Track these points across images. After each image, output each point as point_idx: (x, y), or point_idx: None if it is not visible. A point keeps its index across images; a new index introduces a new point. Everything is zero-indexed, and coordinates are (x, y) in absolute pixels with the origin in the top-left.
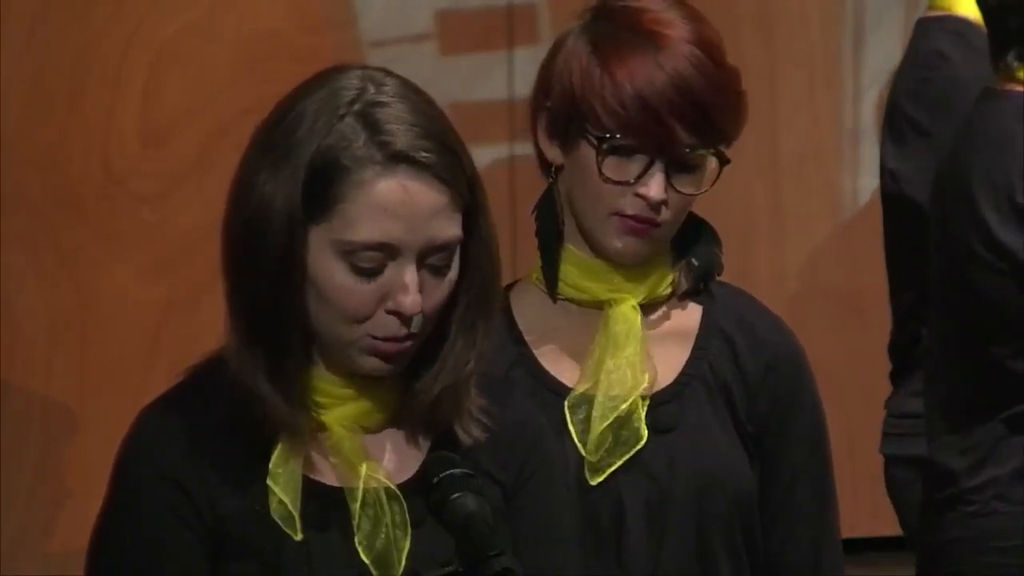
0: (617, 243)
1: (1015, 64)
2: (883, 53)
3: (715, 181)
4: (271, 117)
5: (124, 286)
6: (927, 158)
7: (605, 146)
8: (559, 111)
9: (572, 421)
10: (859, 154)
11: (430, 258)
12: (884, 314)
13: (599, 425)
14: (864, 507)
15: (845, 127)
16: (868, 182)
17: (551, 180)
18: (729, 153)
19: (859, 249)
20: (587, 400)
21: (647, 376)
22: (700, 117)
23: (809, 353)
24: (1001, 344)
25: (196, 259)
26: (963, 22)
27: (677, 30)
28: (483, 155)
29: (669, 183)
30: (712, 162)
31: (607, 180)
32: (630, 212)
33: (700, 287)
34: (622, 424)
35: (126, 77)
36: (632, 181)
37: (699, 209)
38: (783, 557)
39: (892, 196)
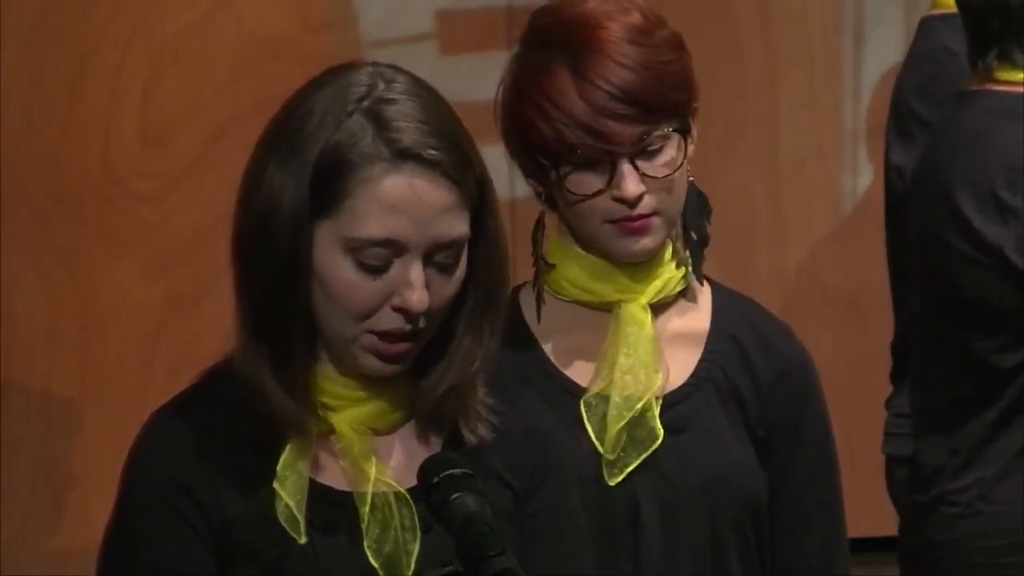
0: (624, 248)
1: (994, 64)
2: (883, 53)
3: (688, 152)
4: (281, 113)
5: (124, 286)
6: None
7: (561, 171)
8: (515, 152)
9: (589, 419)
10: (859, 154)
11: (437, 256)
12: (884, 314)
13: (615, 425)
14: (864, 507)
15: (845, 127)
16: (868, 182)
17: (543, 207)
18: (729, 153)
19: (859, 249)
20: (603, 399)
21: (660, 376)
22: (640, 108)
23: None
24: (985, 340)
25: (196, 259)
26: None
27: (604, 30)
28: (482, 155)
29: (641, 174)
30: (676, 137)
31: (581, 198)
32: (619, 216)
33: (701, 262)
34: (637, 424)
35: (126, 77)
36: (605, 188)
37: None
38: (795, 562)
39: (898, 192)
